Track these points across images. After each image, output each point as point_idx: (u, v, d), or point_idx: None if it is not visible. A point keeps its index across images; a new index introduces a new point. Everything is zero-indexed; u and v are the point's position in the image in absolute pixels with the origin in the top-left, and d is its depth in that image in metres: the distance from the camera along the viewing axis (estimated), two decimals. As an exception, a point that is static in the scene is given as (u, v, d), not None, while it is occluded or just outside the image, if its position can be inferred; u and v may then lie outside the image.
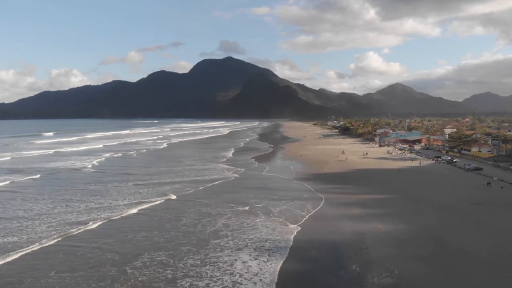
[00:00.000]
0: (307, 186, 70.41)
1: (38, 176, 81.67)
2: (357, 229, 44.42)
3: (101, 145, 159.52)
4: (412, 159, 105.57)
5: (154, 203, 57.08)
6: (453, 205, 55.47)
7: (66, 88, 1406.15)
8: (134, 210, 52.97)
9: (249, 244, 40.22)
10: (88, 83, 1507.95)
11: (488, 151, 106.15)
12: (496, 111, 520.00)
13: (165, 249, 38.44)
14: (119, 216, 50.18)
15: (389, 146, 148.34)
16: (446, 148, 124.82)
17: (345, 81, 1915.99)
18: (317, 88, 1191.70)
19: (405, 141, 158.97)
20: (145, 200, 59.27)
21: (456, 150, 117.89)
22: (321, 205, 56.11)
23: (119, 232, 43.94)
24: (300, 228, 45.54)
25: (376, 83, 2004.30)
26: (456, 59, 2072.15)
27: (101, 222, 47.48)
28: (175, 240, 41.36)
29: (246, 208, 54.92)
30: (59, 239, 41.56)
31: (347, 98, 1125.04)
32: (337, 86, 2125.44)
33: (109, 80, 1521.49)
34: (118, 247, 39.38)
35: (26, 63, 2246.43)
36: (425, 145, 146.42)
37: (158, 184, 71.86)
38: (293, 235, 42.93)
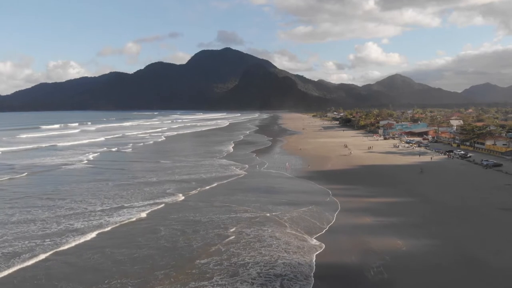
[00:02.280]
0: (314, 186, 62.29)
1: (25, 174, 73.94)
2: (372, 246, 36.19)
3: (102, 138, 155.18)
4: (420, 154, 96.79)
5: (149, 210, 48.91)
6: (480, 212, 47.26)
7: (63, 80, 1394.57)
8: (142, 215, 44.84)
9: (251, 267, 31.93)
10: (85, 75, 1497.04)
11: (504, 144, 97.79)
12: (496, 102, 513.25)
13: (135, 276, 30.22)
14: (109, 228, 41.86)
15: (394, 139, 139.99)
16: (457, 141, 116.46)
17: (344, 72, 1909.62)
18: (316, 79, 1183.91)
19: (411, 133, 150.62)
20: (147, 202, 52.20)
21: (468, 143, 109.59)
22: (338, 211, 47.92)
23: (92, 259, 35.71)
24: (322, 244, 37.09)
25: (375, 74, 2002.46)
26: (456, 49, 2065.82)
27: (74, 244, 38.61)
28: (147, 260, 33.15)
29: (249, 214, 46.94)
30: (12, 269, 32.07)
31: (346, 89, 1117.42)
32: (336, 77, 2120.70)
33: (107, 71, 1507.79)
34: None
35: (24, 54, 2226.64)
36: (433, 137, 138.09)
37: (158, 184, 64.54)
38: (315, 254, 34.82)
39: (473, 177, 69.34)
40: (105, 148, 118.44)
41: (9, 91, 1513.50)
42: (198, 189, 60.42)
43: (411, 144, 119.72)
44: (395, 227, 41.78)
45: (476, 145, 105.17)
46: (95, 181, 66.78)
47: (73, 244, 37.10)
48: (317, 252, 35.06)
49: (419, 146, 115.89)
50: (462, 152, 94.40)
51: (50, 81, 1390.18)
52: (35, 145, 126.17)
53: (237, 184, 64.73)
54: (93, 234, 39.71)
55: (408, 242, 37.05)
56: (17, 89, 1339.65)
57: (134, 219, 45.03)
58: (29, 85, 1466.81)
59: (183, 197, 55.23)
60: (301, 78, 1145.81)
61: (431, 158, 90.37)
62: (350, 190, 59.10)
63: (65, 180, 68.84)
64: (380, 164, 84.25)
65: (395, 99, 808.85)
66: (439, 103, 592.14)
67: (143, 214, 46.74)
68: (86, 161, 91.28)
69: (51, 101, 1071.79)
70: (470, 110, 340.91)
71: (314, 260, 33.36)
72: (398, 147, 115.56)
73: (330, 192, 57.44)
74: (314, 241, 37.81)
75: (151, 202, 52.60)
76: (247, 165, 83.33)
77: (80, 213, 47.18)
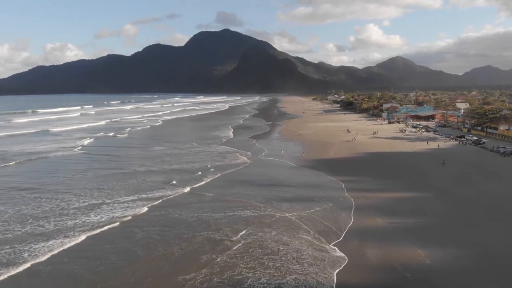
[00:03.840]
0: (322, 178, 55.37)
1: (13, 163, 67.58)
2: (390, 259, 29.43)
3: (102, 122, 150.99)
4: (428, 141, 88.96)
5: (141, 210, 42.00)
6: (509, 210, 40.51)
7: (61, 63, 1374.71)
8: (143, 210, 37.96)
9: (251, 285, 25.66)
10: (83, 57, 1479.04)
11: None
12: (498, 84, 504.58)
13: None
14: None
15: (399, 123, 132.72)
16: (467, 126, 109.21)
17: (345, 54, 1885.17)
18: (316, 62, 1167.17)
19: (417, 117, 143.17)
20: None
21: (479, 128, 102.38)
22: (353, 210, 41.08)
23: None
24: (343, 255, 30.42)
25: (376, 56, 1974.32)
26: (457, 31, 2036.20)
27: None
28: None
29: (249, 212, 40.36)
30: None
31: (346, 71, 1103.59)
32: (336, 60, 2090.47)
33: (104, 54, 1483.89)
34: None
35: (21, 37, 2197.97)
36: (440, 121, 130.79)
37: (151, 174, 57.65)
38: (337, 270, 28.11)
39: (493, 166, 62.38)
40: (102, 133, 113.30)
41: (6, 75, 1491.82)
42: (192, 182, 53.51)
43: (418, 129, 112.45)
44: (413, 231, 34.96)
45: (489, 130, 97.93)
46: (83, 171, 60.72)
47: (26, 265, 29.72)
48: (340, 269, 28.35)
49: (427, 131, 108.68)
50: (475, 138, 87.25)
51: (47, 64, 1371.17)
52: (30, 130, 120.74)
53: (236, 175, 57.85)
54: (60, 243, 32.91)
55: (431, 252, 30.33)
56: (15, 72, 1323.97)
57: (117, 223, 37.73)
58: (26, 68, 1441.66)
59: (171, 193, 48.30)
60: (301, 60, 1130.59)
61: (438, 145, 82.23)
62: (359, 183, 52.07)
63: (53, 169, 63.02)
64: (387, 152, 77.18)
65: (396, 81, 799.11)
66: (440, 86, 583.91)
67: (129, 213, 39.93)
68: (79, 148, 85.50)
69: (48, 84, 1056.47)
70: (474, 93, 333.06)
71: (335, 280, 26.70)
72: (404, 132, 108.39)
73: (343, 185, 50.58)
74: (337, 253, 30.98)
75: (140, 197, 46.23)
76: (249, 153, 76.33)
77: (54, 211, 40.90)
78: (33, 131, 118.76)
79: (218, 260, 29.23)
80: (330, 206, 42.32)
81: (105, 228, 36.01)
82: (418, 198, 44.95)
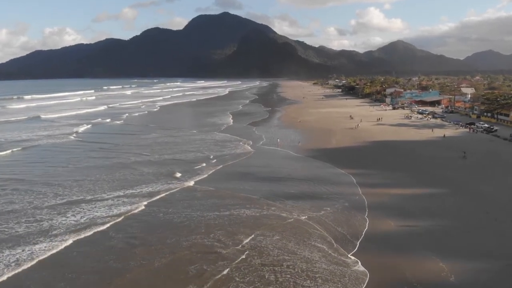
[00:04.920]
0: (328, 170, 50.34)
1: (9, 152, 64.12)
2: (408, 275, 24.61)
3: (101, 108, 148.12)
4: (433, 128, 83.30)
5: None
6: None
7: (59, 47, 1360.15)
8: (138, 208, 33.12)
9: None
10: (81, 42, 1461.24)
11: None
12: (500, 69, 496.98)
13: None
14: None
15: (404, 109, 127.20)
16: (476, 112, 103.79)
17: (346, 38, 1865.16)
18: (317, 46, 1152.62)
19: (422, 102, 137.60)
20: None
21: (488, 114, 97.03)
22: (367, 210, 36.11)
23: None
24: (364, 270, 25.60)
25: (377, 40, 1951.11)
26: (459, 15, 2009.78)
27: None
28: None
29: (249, 211, 35.49)
30: None
31: (347, 56, 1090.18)
32: (337, 44, 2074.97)
33: (103, 38, 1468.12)
34: None
35: (19, 21, 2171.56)
36: (446, 107, 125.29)
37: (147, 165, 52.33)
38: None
39: (510, 157, 57.32)
40: (100, 119, 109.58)
41: (4, 59, 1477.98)
42: (194, 175, 48.55)
43: (424, 115, 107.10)
44: (430, 236, 30.22)
45: (500, 116, 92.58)
46: (72, 161, 56.99)
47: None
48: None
49: (434, 117, 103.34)
50: (487, 125, 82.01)
51: (45, 48, 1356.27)
52: (25, 116, 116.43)
53: (237, 167, 52.97)
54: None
55: (456, 266, 25.69)
56: (13, 57, 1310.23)
57: (100, 228, 32.80)
58: (24, 53, 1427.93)
59: (168, 188, 43.35)
60: (302, 44, 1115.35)
61: (444, 135, 74.88)
62: (366, 177, 46.97)
63: (44, 159, 59.61)
64: (393, 140, 72.09)
65: (397, 66, 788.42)
66: (442, 70, 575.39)
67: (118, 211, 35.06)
68: (74, 135, 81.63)
69: (46, 68, 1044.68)
70: (477, 78, 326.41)
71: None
72: (410, 118, 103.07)
73: (354, 180, 45.52)
74: (358, 266, 26.19)
75: (135, 192, 41.73)
76: (250, 141, 71.29)
77: (26, 211, 36.08)
78: (25, 117, 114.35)
79: (207, 273, 24.74)
80: (340, 204, 37.53)
81: (88, 232, 31.46)
82: (431, 195, 40.05)
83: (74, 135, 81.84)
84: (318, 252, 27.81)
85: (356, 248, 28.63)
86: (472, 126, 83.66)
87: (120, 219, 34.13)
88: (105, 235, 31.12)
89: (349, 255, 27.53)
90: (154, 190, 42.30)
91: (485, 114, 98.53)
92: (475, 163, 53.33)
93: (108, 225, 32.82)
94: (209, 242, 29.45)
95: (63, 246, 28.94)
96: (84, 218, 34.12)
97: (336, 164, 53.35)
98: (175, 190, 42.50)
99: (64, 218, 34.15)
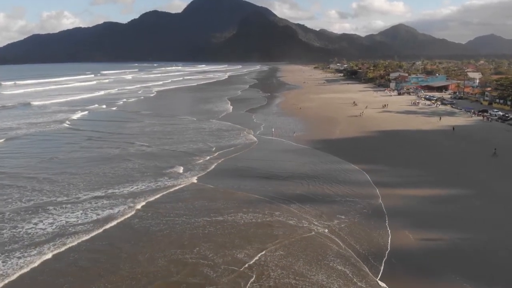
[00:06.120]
0: (339, 165, 45.09)
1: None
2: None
3: (101, 93, 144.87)
4: (440, 116, 76.80)
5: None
6: None
7: (57, 31, 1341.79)
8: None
9: None
10: (79, 25, 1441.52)
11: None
12: (503, 53, 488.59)
13: None
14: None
15: (410, 94, 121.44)
16: (487, 98, 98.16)
17: (347, 21, 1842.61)
18: (317, 29, 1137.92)
19: (428, 88, 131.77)
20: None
21: (501, 101, 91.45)
22: (387, 217, 30.71)
23: None
24: None
25: (379, 24, 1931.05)
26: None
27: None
28: None
29: (248, 217, 30.50)
30: None
31: (348, 39, 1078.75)
32: (338, 27, 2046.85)
33: (100, 21, 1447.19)
34: None
35: (16, 5, 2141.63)
36: (454, 92, 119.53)
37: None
38: None
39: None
40: (96, 105, 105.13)
41: (1, 44, 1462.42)
42: (195, 170, 43.38)
43: (433, 101, 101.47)
44: (459, 255, 25.07)
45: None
46: (58, 152, 52.90)
47: None
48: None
49: (443, 103, 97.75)
50: (501, 113, 76.59)
51: (43, 32, 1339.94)
52: (16, 102, 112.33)
53: (237, 161, 47.68)
54: None
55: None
56: (10, 42, 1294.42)
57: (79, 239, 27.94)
58: (22, 37, 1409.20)
59: (163, 186, 38.21)
60: (302, 27, 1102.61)
61: (453, 128, 65.08)
62: (378, 174, 41.46)
63: (31, 149, 55.17)
64: (402, 130, 66.75)
65: (398, 50, 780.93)
66: (444, 55, 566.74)
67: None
68: (68, 123, 77.34)
69: (44, 53, 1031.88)
70: (481, 62, 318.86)
71: None
72: (417, 104, 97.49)
73: (370, 179, 39.96)
74: None
75: (130, 190, 37.11)
76: (251, 131, 66.24)
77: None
78: (13, 104, 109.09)
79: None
80: (357, 210, 32.10)
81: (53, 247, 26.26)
82: (453, 197, 34.86)
83: (67, 123, 77.20)
84: (338, 278, 22.59)
85: (381, 272, 23.30)
86: (486, 114, 78.23)
87: (91, 228, 29.07)
88: (73, 250, 26.11)
89: (378, 281, 22.38)
90: (140, 189, 37.15)
91: (497, 100, 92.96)
92: (496, 158, 48.04)
93: (76, 238, 27.78)
94: (192, 260, 24.47)
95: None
96: (52, 227, 29.11)
97: (344, 157, 48.12)
98: (173, 189, 37.28)
99: (28, 225, 29.12)
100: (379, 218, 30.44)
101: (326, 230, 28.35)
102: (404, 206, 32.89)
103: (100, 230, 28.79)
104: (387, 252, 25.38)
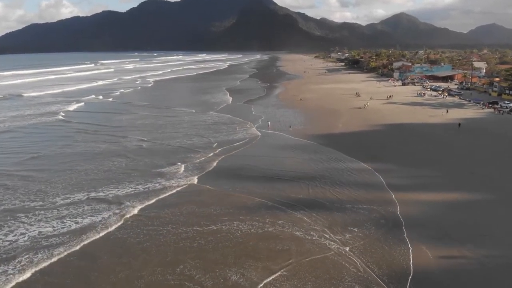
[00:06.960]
0: (342, 164, 41.43)
1: None
2: None
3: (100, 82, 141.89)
4: (447, 109, 72.12)
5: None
6: None
7: (55, 20, 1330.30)
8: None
9: None
10: (78, 14, 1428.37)
11: None
12: (505, 43, 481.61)
13: None
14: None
15: (415, 85, 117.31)
16: (496, 89, 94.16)
17: (348, 10, 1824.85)
18: (318, 18, 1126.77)
19: (433, 78, 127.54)
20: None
21: (511, 92, 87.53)
22: (405, 230, 26.99)
23: None
24: None
25: (380, 13, 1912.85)
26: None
27: None
28: None
29: (246, 226, 27.34)
30: None
31: (349, 28, 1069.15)
32: (339, 16, 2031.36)
33: (99, 10, 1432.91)
34: None
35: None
36: (461, 83, 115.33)
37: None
38: None
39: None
40: (93, 96, 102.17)
41: (0, 33, 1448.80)
42: (194, 169, 39.80)
43: (439, 92, 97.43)
44: (487, 277, 21.54)
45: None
46: (47, 148, 50.13)
47: None
48: None
49: (450, 94, 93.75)
50: (512, 105, 72.73)
51: (42, 22, 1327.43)
52: (4, 93, 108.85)
53: (237, 159, 44.28)
54: None
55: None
56: (9, 31, 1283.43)
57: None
58: (21, 27, 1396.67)
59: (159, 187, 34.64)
60: (303, 16, 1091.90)
61: (460, 124, 58.98)
62: (388, 175, 37.68)
63: (14, 144, 52.78)
64: (409, 123, 62.92)
65: (400, 39, 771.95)
66: (446, 44, 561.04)
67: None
68: (62, 115, 74.44)
69: (43, 42, 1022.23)
70: (485, 51, 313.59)
71: None
72: (423, 95, 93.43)
73: (382, 180, 36.24)
74: None
75: (125, 192, 33.43)
76: (253, 124, 62.91)
77: None
78: (1, 96, 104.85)
79: None
80: (372, 220, 28.16)
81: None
82: (471, 203, 31.25)
83: (62, 115, 74.02)
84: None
85: None
86: (496, 106, 74.38)
87: (66, 240, 25.54)
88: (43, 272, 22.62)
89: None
90: (130, 191, 33.78)
91: (507, 91, 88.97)
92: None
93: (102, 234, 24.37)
94: (176, 282, 21.04)
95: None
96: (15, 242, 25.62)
97: (350, 154, 44.64)
98: (171, 192, 33.89)
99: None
100: (398, 230, 26.74)
101: (337, 245, 24.75)
102: (419, 214, 29.31)
103: (78, 247, 25.28)
104: (409, 278, 21.58)
